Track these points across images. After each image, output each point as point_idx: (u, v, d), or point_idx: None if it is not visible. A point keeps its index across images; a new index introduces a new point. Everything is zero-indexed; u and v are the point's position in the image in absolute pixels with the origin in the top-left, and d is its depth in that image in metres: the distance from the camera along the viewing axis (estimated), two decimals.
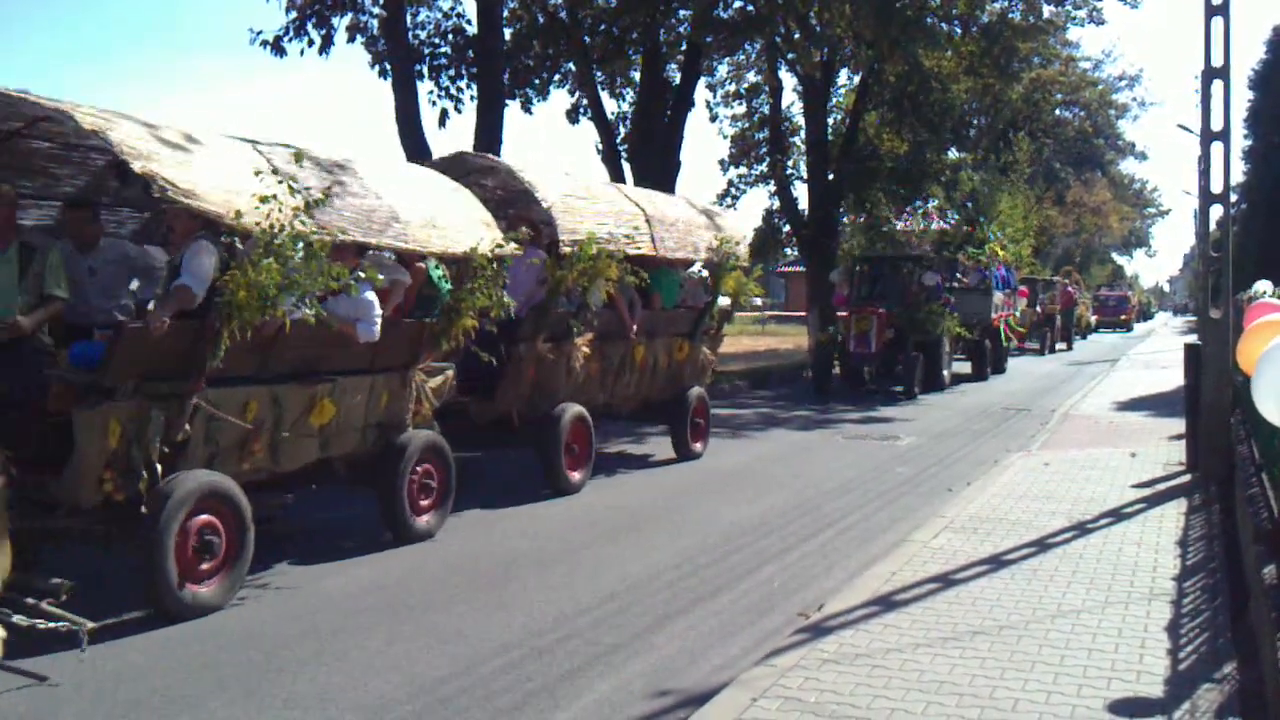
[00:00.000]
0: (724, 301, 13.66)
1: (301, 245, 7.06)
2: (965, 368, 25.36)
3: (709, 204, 15.75)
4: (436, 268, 9.31)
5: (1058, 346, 38.88)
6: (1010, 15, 28.24)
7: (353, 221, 7.92)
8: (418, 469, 8.71)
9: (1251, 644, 5.66)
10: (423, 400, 9.01)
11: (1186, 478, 11.04)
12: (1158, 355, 33.14)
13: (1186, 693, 5.14)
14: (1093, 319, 54.93)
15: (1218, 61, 10.77)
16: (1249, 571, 6.55)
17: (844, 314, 22.41)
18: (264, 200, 6.82)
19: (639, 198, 12.69)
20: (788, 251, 37.60)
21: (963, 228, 28.77)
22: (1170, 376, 21.56)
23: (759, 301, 18.46)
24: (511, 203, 11.72)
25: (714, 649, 6.27)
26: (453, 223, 9.12)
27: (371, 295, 8.15)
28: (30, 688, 5.55)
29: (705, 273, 13.51)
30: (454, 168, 11.00)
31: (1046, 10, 29.38)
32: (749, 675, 5.48)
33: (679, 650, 6.25)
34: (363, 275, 7.76)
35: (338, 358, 8.08)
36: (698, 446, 13.30)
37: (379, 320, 8.20)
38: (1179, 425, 12.98)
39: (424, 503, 8.82)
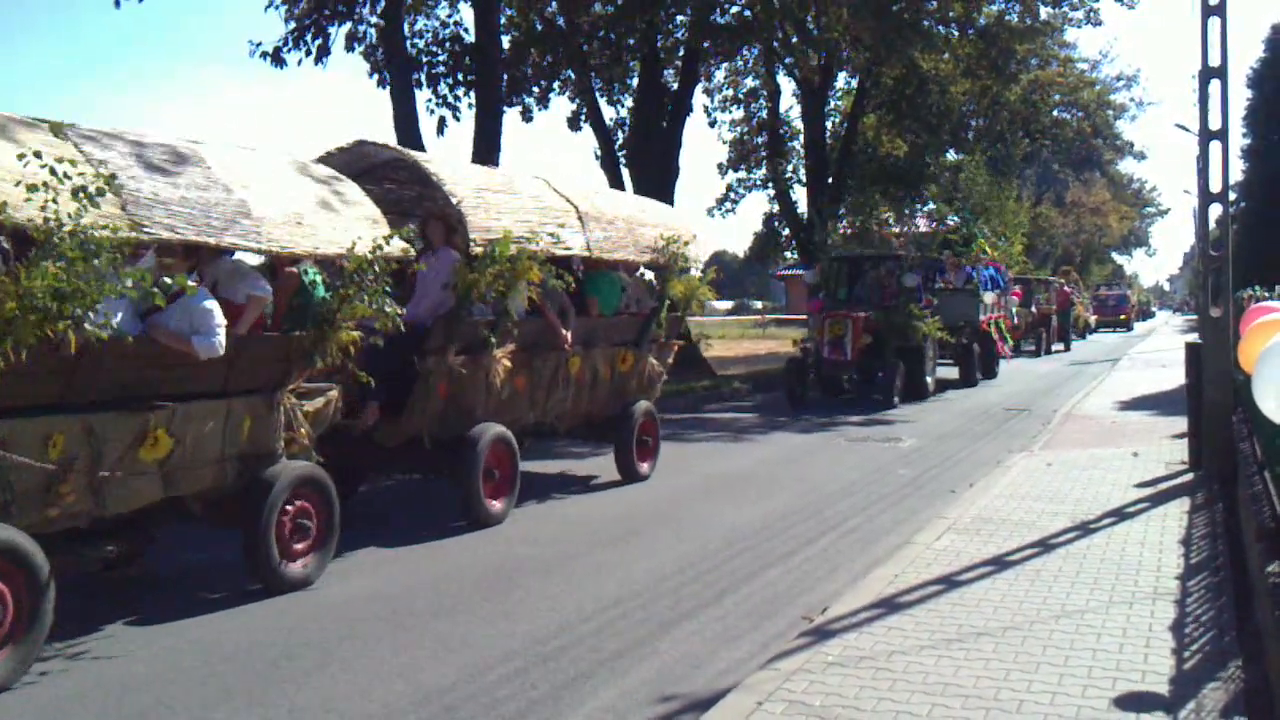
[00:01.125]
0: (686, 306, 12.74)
1: (95, 245, 5.82)
2: (954, 373, 23.97)
3: (657, 201, 13.96)
4: (313, 273, 8.22)
5: (1054, 348, 38.10)
6: (1007, 17, 28.26)
7: (185, 218, 6.72)
8: (290, 506, 7.51)
9: (1256, 643, 5.66)
10: (297, 426, 7.77)
11: (1189, 476, 11.03)
12: (1159, 354, 33.11)
13: (1191, 692, 5.13)
14: (1091, 319, 54.54)
15: (1215, 61, 10.78)
16: (1253, 570, 6.55)
17: (819, 318, 20.81)
18: (33, 189, 5.69)
19: (571, 192, 11.42)
20: (787, 255, 37.63)
21: (945, 223, 27.79)
22: (1171, 375, 21.55)
23: (721, 304, 17.87)
24: (430, 200, 10.84)
25: (718, 653, 6.27)
26: (325, 220, 7.91)
27: (211, 303, 6.99)
28: (35, 699, 5.56)
29: (651, 275, 12.59)
30: (356, 161, 10.14)
31: (1044, 12, 29.39)
32: (753, 679, 5.47)
33: (683, 655, 6.24)
34: (169, 281, 6.46)
35: (177, 379, 6.91)
36: (644, 467, 12.16)
37: (221, 332, 6.95)
38: (1181, 424, 12.97)
39: (298, 546, 7.59)
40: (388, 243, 7.95)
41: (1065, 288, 43.75)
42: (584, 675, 5.91)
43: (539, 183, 11.21)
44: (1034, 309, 35.53)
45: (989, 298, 25.70)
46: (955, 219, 28.78)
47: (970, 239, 26.67)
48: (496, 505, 9.73)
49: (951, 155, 33.93)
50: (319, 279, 8.25)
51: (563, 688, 5.73)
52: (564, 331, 10.56)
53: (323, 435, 8.23)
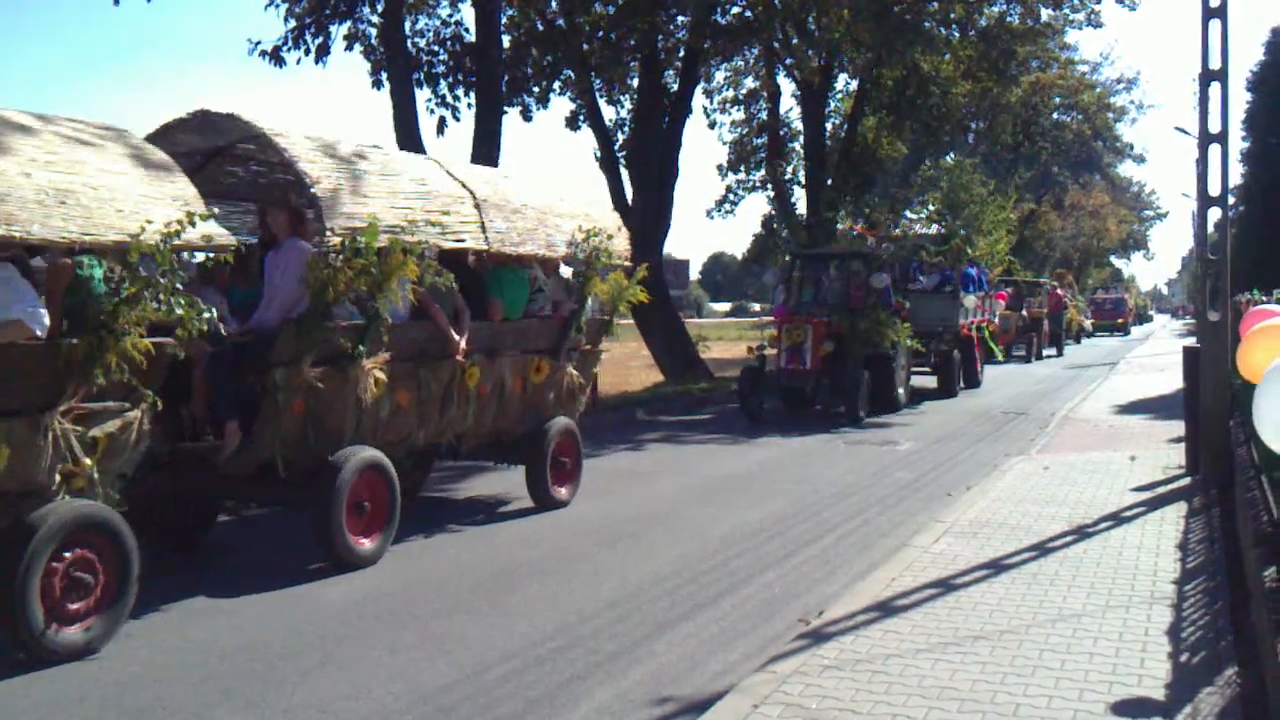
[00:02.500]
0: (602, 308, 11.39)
1: None
2: (934, 382, 22.43)
3: (578, 188, 12.20)
4: (94, 265, 6.53)
5: (1046, 353, 37.05)
6: (1008, 19, 28.27)
7: None
8: (63, 556, 6.09)
9: (1252, 647, 5.67)
10: (77, 457, 6.24)
11: (1186, 481, 11.04)
12: (1156, 358, 33.13)
13: (1188, 696, 5.14)
14: (1086, 323, 54.18)
15: (1215, 64, 10.79)
16: (1249, 574, 6.56)
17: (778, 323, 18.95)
18: None
19: (469, 176, 10.07)
20: (788, 258, 37.61)
21: (938, 224, 25.55)
22: (1169, 379, 21.56)
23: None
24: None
25: (714, 655, 6.27)
26: (108, 199, 6.47)
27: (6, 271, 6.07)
28: (34, 699, 5.57)
29: (570, 273, 11.23)
30: (208, 137, 9.03)
31: (1044, 14, 29.40)
32: (750, 682, 5.48)
33: (679, 657, 6.25)
34: None
35: None
36: (562, 492, 10.64)
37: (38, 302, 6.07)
38: (1178, 428, 12.98)
39: (74, 605, 6.15)
40: (186, 226, 6.52)
41: (1057, 290, 42.88)
42: (581, 676, 5.92)
43: (427, 164, 9.95)
44: (1024, 312, 34.82)
45: (970, 301, 23.57)
46: (929, 211, 27.38)
47: (948, 236, 24.30)
48: (365, 544, 8.26)
49: (951, 158, 33.92)
50: (99, 273, 6.54)
51: (560, 688, 5.74)
52: (456, 337, 9.23)
53: (171, 462, 7.76)
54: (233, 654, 6.28)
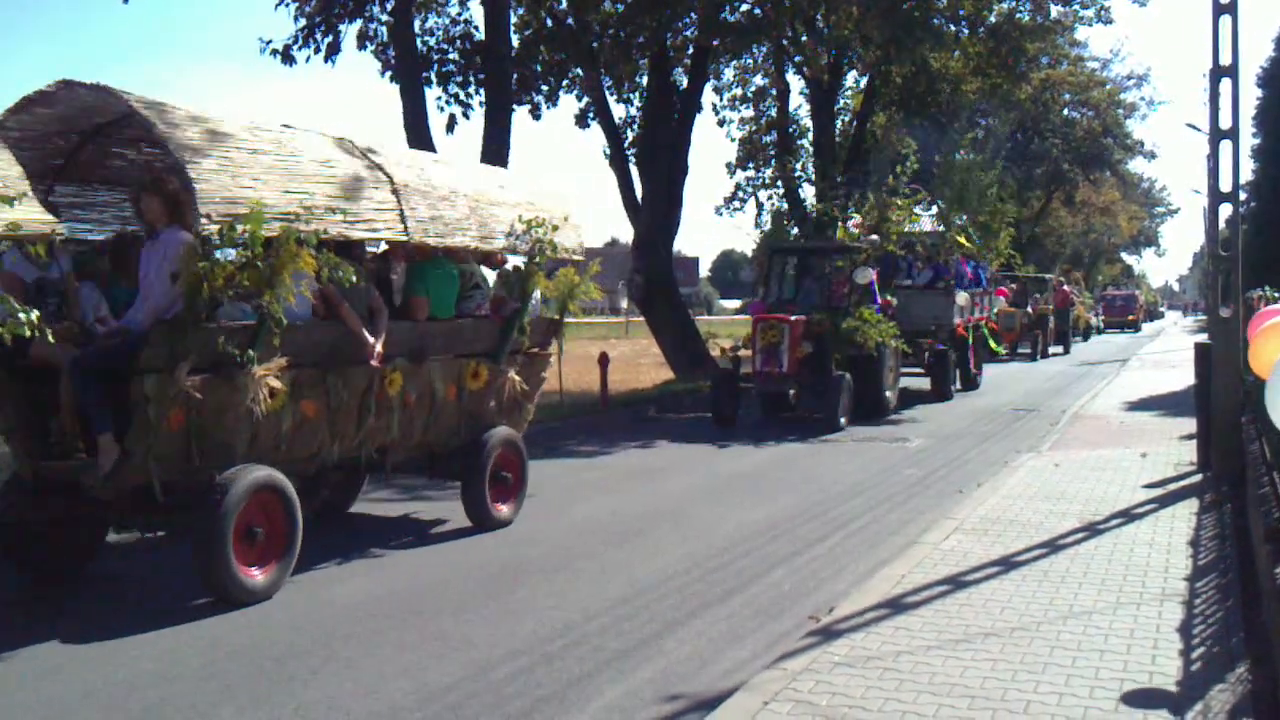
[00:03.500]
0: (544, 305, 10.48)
1: None
2: (926, 383, 21.40)
3: (525, 176, 11.12)
4: None
5: (1052, 350, 35.90)
6: (1018, 15, 28.21)
7: None
8: None
9: (1264, 644, 5.64)
10: None
11: (1198, 477, 10.99)
12: (1167, 355, 33.02)
13: (1199, 693, 5.11)
14: (1093, 319, 53.50)
15: (1226, 60, 10.74)
16: (1261, 571, 6.52)
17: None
18: None
19: (388, 157, 9.02)
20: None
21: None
22: (1180, 376, 21.48)
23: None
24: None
25: (724, 653, 6.26)
26: None
27: None
28: (42, 697, 5.57)
29: (511, 267, 10.30)
30: (80, 113, 7.98)
31: (1054, 10, 29.33)
32: (759, 679, 5.46)
33: (688, 655, 6.24)
34: None
35: None
36: (503, 510, 9.67)
37: None
38: (1190, 425, 12.93)
39: None
40: None
41: (1064, 286, 41.86)
42: (589, 674, 5.91)
43: (337, 145, 8.74)
44: (1030, 309, 34.22)
45: (963, 297, 22.10)
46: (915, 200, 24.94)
47: (947, 226, 22.50)
48: (256, 576, 7.28)
49: (960, 155, 33.85)
50: None
51: (568, 686, 5.72)
52: (370, 339, 8.27)
53: (35, 484, 7.15)
54: (240, 652, 6.28)
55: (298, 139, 8.29)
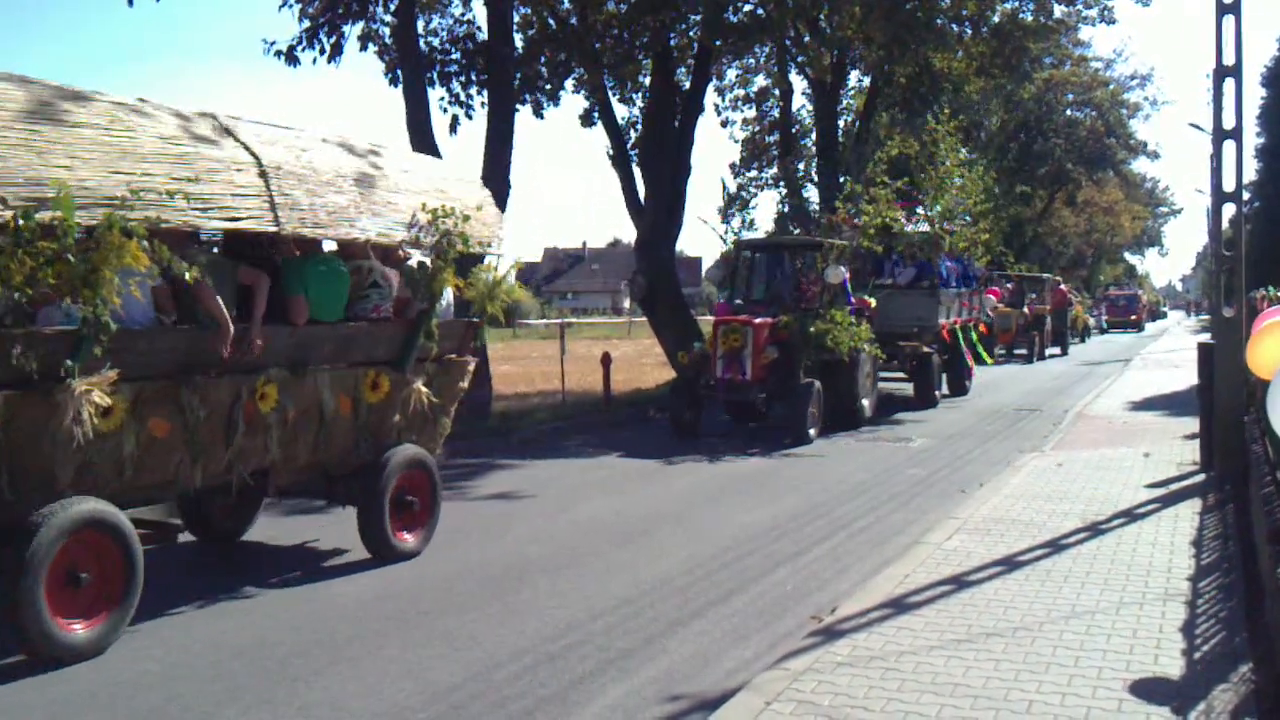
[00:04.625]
0: (454, 307, 9.26)
1: None
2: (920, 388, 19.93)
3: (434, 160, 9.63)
4: None
5: (1049, 352, 34.85)
6: (1021, 15, 28.19)
7: None
8: None
9: (1267, 644, 5.64)
10: None
11: (1200, 477, 10.99)
12: (1170, 355, 33.00)
13: (1201, 693, 5.12)
14: (1091, 320, 53.02)
15: (1229, 59, 10.74)
16: (1264, 571, 6.52)
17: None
18: None
19: (258, 137, 7.65)
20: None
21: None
22: (1183, 376, 21.47)
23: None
24: None
25: (727, 653, 6.26)
26: None
27: None
28: (47, 696, 5.58)
29: (416, 263, 8.93)
30: None
31: (1057, 10, 29.32)
32: (762, 679, 5.47)
33: (691, 654, 6.24)
34: None
35: None
36: (407, 539, 8.51)
37: None
38: (1192, 425, 12.93)
39: None
40: None
41: (1061, 286, 40.72)
42: (592, 674, 5.91)
43: (191, 120, 7.32)
44: (1026, 309, 33.59)
45: (949, 297, 20.73)
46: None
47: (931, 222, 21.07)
48: (77, 629, 6.13)
49: (964, 153, 33.84)
50: None
51: (571, 686, 5.73)
52: (220, 344, 6.93)
53: None
54: (244, 652, 6.29)
55: (138, 113, 6.94)
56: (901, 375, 20.15)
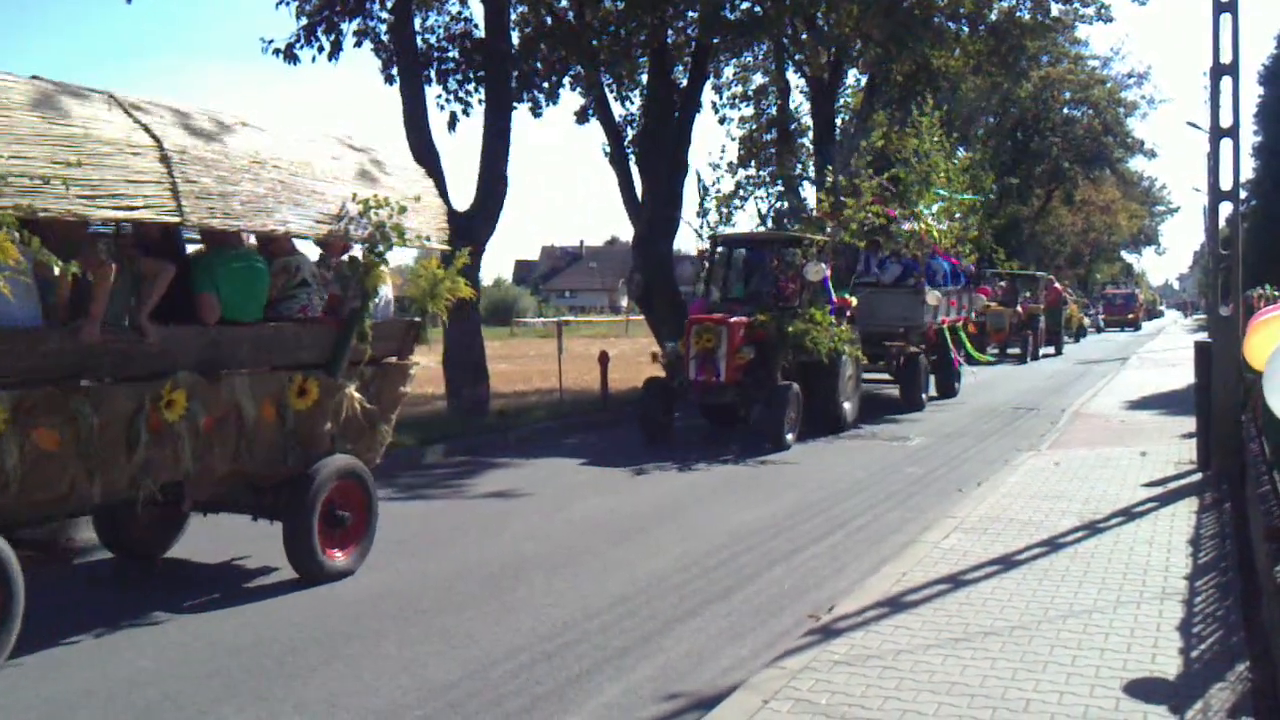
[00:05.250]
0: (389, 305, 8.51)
1: None
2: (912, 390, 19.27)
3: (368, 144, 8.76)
4: None
5: (1043, 351, 34.33)
6: (1018, 14, 28.19)
7: None
8: None
9: (1264, 643, 5.64)
10: None
11: (1197, 476, 10.99)
12: (1167, 353, 33.02)
13: (1199, 692, 5.12)
14: (1086, 319, 52.87)
15: (1227, 58, 10.74)
16: (1261, 570, 6.53)
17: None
18: None
19: (159, 117, 6.85)
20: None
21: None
22: (1180, 375, 21.48)
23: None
24: None
25: (723, 651, 6.26)
26: None
27: None
28: (43, 694, 5.57)
29: (348, 258, 8.18)
30: None
31: (1054, 8, 29.31)
32: (759, 677, 5.46)
33: (688, 652, 6.24)
34: None
35: None
36: (338, 557, 7.85)
37: None
38: (1189, 423, 12.93)
39: None
40: None
41: (1056, 284, 40.31)
42: (589, 672, 5.91)
43: (84, 99, 6.54)
44: (1019, 308, 33.31)
45: (936, 296, 19.82)
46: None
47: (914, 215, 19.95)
48: None
49: (962, 152, 33.82)
50: None
51: (567, 684, 5.72)
52: (84, 335, 6.18)
53: None
54: (241, 650, 6.28)
55: (17, 90, 6.08)
56: (886, 378, 19.66)
